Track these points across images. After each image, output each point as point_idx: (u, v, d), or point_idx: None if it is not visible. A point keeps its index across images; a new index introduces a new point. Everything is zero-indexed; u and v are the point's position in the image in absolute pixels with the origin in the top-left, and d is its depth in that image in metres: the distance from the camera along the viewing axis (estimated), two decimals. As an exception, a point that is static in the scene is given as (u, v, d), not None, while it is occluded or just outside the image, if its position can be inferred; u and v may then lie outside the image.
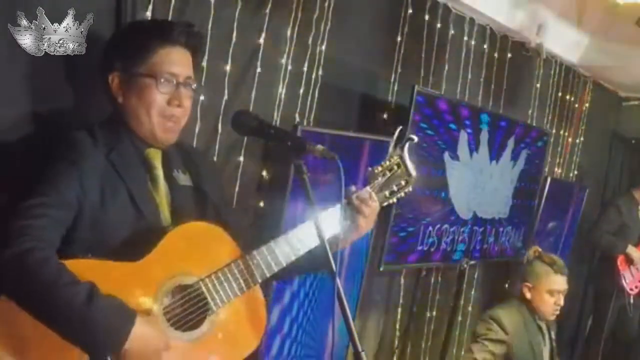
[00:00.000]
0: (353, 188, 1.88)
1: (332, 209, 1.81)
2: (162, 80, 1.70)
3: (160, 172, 1.78)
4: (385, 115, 3.30)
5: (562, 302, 3.12)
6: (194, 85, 1.79)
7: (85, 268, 1.53)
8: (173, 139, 1.78)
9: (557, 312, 3.16)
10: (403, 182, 1.92)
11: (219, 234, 1.74)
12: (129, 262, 1.59)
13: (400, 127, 1.92)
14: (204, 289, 1.66)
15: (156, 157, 1.78)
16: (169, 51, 1.73)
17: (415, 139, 1.92)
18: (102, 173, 1.65)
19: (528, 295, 3.11)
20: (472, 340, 3.14)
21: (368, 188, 1.89)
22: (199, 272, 1.67)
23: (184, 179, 1.83)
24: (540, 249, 3.36)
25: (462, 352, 4.27)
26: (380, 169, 1.90)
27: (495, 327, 3.02)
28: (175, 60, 1.73)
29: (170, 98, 1.72)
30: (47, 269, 1.46)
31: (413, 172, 1.91)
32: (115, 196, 1.65)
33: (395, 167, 1.91)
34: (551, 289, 3.09)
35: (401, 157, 1.90)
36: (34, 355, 1.50)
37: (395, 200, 1.95)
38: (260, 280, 1.74)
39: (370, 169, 1.91)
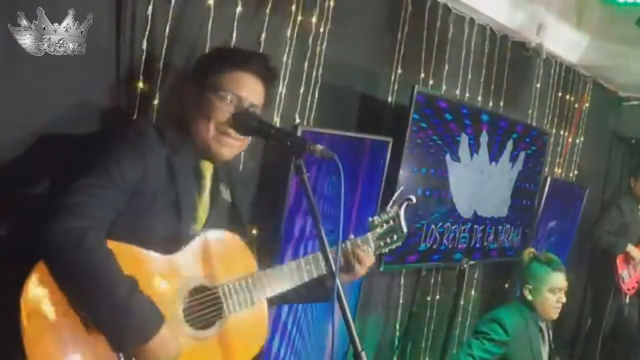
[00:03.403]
0: (352, 236, 2.05)
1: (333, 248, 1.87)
2: (226, 97, 1.80)
3: (208, 184, 1.88)
4: (385, 115, 3.30)
5: (564, 299, 3.15)
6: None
7: (122, 252, 1.59)
8: (228, 156, 1.86)
9: (559, 310, 3.17)
10: (395, 237, 2.13)
11: (242, 247, 1.86)
12: (161, 255, 1.68)
13: (402, 188, 2.22)
14: (220, 293, 1.76)
15: (208, 169, 1.88)
16: (240, 76, 1.83)
17: (414, 200, 2.14)
18: (159, 172, 1.72)
19: (529, 297, 3.12)
20: (472, 336, 3.16)
21: (369, 235, 2.08)
22: (220, 277, 1.77)
23: (225, 193, 1.93)
24: (534, 250, 3.37)
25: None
26: (379, 220, 2.10)
27: (497, 328, 3.04)
28: (244, 85, 1.83)
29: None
30: (100, 252, 1.54)
31: (405, 230, 2.14)
32: (163, 197, 1.72)
33: (392, 222, 2.12)
34: (552, 287, 3.11)
35: (397, 214, 2.12)
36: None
37: (386, 251, 2.15)
38: (268, 297, 1.85)
39: (371, 219, 2.10)
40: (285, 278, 1.87)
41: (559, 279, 3.13)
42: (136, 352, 1.57)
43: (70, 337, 1.54)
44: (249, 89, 1.84)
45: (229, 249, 1.83)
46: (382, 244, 2.11)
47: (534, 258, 3.23)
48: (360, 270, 2.03)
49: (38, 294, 1.52)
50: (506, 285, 4.63)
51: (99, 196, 1.58)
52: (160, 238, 1.70)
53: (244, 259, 1.85)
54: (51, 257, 1.53)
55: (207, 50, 2.26)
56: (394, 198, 2.14)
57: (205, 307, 1.73)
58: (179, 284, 1.69)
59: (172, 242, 1.72)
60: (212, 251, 1.77)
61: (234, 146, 1.85)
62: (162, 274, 1.67)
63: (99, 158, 1.64)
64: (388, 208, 2.13)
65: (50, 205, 1.53)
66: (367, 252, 2.04)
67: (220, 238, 1.81)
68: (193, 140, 1.83)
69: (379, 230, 2.10)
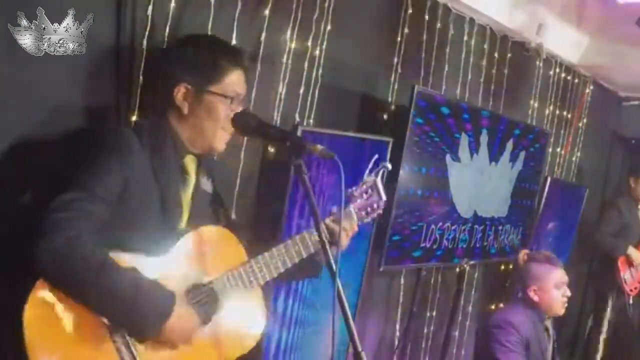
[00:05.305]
0: (334, 208, 2.06)
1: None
2: (231, 98, 1.84)
3: (192, 179, 1.89)
4: (385, 115, 3.30)
5: (569, 293, 3.16)
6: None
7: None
8: (223, 149, 1.90)
9: (566, 304, 3.18)
10: (375, 205, 2.14)
11: (229, 238, 1.89)
12: (153, 257, 1.70)
13: (377, 155, 2.15)
14: (215, 287, 1.79)
15: (191, 164, 1.90)
16: (237, 74, 1.87)
17: (389, 166, 2.15)
18: (143, 174, 1.72)
19: (536, 297, 3.10)
20: (498, 350, 3.01)
21: (351, 207, 2.10)
22: (213, 271, 1.81)
23: (206, 184, 1.96)
24: (528, 252, 3.35)
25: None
26: (358, 191, 2.12)
27: (514, 330, 3.02)
28: (241, 82, 1.89)
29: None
30: (94, 256, 1.55)
31: (384, 196, 2.15)
32: (148, 200, 1.74)
33: (370, 191, 2.13)
34: (557, 283, 3.12)
35: (375, 182, 2.12)
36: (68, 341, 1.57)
37: (369, 220, 2.19)
38: (262, 283, 1.89)
39: (349, 190, 2.11)
40: (276, 263, 1.91)
41: (561, 274, 3.15)
42: (159, 334, 1.62)
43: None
44: (244, 85, 1.90)
45: (219, 241, 1.85)
46: (364, 213, 2.13)
47: (530, 259, 3.22)
48: (345, 242, 2.07)
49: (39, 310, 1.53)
50: (506, 285, 4.63)
51: (80, 209, 1.56)
52: (151, 239, 1.71)
53: (234, 250, 1.88)
54: (51, 277, 1.53)
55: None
56: (369, 167, 2.14)
57: (202, 303, 1.75)
58: (173, 284, 1.70)
59: (162, 242, 1.74)
60: (203, 246, 1.79)
61: (227, 139, 1.89)
62: (156, 277, 1.67)
63: (79, 170, 1.63)
64: (365, 177, 2.13)
65: (34, 226, 1.52)
66: (350, 224, 2.09)
67: (208, 232, 1.83)
68: (176, 137, 1.83)
69: (359, 201, 2.12)
